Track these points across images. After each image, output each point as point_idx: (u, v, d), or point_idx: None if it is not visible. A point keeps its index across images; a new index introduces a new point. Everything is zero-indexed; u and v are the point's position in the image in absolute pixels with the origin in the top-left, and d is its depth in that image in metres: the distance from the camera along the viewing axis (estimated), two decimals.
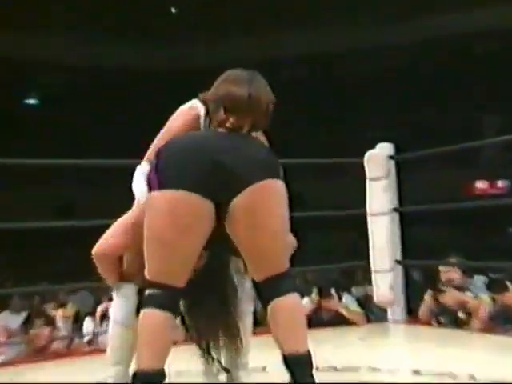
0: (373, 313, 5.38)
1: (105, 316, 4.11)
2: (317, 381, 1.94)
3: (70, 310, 6.57)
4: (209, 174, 1.89)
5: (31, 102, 17.46)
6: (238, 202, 1.90)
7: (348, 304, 4.19)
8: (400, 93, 15.91)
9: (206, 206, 1.90)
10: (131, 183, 2.13)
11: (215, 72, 2.13)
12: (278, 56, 16.41)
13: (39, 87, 17.12)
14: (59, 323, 5.00)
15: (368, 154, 3.93)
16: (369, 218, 3.87)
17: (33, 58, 15.49)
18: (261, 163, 1.94)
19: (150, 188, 1.96)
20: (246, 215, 1.90)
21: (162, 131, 2.15)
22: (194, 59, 16.31)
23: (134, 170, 2.16)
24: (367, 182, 3.89)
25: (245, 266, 2.12)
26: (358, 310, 4.22)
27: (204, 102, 2.12)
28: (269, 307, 1.95)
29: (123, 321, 2.11)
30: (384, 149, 4.01)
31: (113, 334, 2.15)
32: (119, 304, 2.14)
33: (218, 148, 1.94)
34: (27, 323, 4.28)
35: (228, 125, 2.00)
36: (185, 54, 16.56)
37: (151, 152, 2.12)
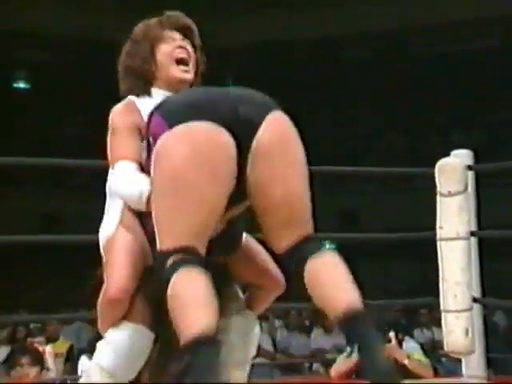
0: (442, 364, 5.37)
1: None
2: None
3: (62, 345, 6.69)
4: (227, 106, 2.01)
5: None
6: (262, 135, 2.00)
7: (410, 351, 4.19)
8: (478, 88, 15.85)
9: (230, 144, 1.98)
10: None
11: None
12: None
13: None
14: (49, 362, 5.08)
15: (440, 163, 3.93)
16: (439, 244, 3.87)
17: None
18: (266, 97, 2.12)
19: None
20: (273, 148, 2.00)
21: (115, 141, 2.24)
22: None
23: None
24: (438, 198, 3.89)
25: (248, 298, 2.22)
26: (424, 359, 4.22)
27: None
28: (306, 270, 1.96)
29: (115, 370, 2.07)
30: (461, 157, 4.01)
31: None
32: (112, 346, 2.08)
33: (223, 88, 2.13)
34: (9, 361, 4.36)
35: (179, 48, 2.31)
36: None
37: (116, 156, 2.20)
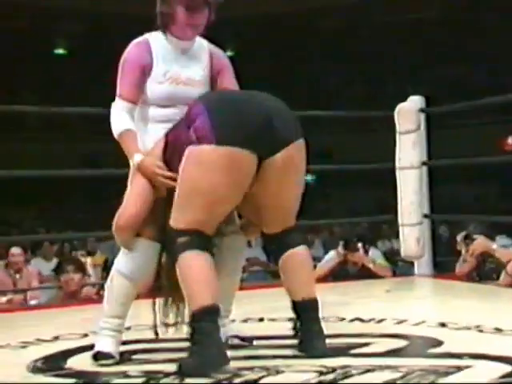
0: (399, 267, 5.41)
1: None
2: (324, 328, 2.05)
3: (100, 258, 6.72)
4: (260, 128, 1.92)
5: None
6: (277, 157, 1.95)
7: (374, 258, 4.20)
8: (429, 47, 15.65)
9: (254, 162, 1.94)
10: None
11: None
12: (315, 6, 16.22)
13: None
14: (89, 270, 5.11)
15: (399, 107, 3.88)
16: (398, 172, 3.84)
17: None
18: (295, 120, 2.04)
19: (198, 137, 1.92)
20: (280, 171, 1.97)
21: (122, 72, 2.14)
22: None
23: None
24: (397, 135, 3.85)
25: (243, 225, 2.18)
26: (385, 263, 4.24)
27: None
28: (282, 257, 2.06)
29: (131, 275, 2.06)
30: (415, 102, 3.95)
31: (116, 286, 2.08)
32: (128, 256, 2.07)
33: (264, 102, 2.00)
34: (58, 269, 4.37)
35: (191, 24, 2.11)
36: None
37: (124, 89, 2.11)
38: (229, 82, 2.24)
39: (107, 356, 2.03)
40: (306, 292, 2.05)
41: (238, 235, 2.19)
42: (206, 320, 1.86)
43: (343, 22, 17.14)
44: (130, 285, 2.07)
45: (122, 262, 2.09)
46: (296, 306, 2.06)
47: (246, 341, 2.21)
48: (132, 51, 2.15)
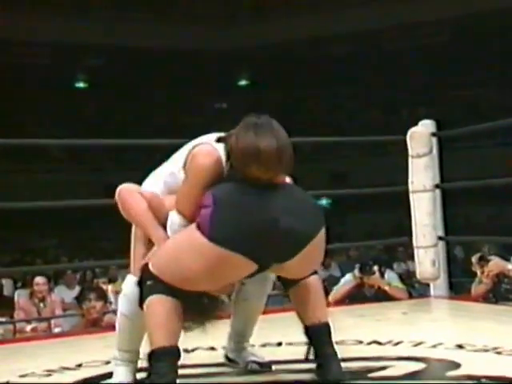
0: (415, 288, 5.35)
1: None
2: (338, 351, 2.02)
3: (121, 284, 6.71)
4: (264, 240, 1.85)
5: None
6: (290, 264, 1.92)
7: (390, 280, 4.16)
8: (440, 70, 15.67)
9: (253, 268, 1.91)
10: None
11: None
12: (327, 33, 16.36)
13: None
14: (111, 297, 5.11)
15: (410, 132, 3.87)
16: (411, 195, 3.82)
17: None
18: (313, 213, 1.95)
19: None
20: (295, 268, 1.94)
21: (186, 184, 1.97)
22: (234, 40, 16.35)
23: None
24: (410, 159, 3.84)
25: None
26: (401, 285, 4.20)
27: (223, 141, 1.97)
28: (293, 288, 2.04)
29: (131, 316, 2.05)
30: (426, 126, 3.95)
31: (120, 324, 2.10)
32: (126, 298, 2.08)
33: (272, 209, 1.87)
34: (81, 297, 4.38)
35: (258, 179, 1.88)
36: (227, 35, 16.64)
37: (185, 208, 1.96)
38: None
39: None
40: (318, 317, 2.03)
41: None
42: (162, 360, 1.86)
43: (356, 48, 17.24)
44: (133, 324, 2.05)
45: (124, 304, 2.08)
46: (308, 330, 2.04)
47: (265, 366, 2.19)
48: (209, 168, 1.94)
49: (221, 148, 1.96)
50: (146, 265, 1.95)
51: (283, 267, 1.94)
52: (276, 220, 1.85)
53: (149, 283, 1.92)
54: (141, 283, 1.95)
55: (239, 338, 2.27)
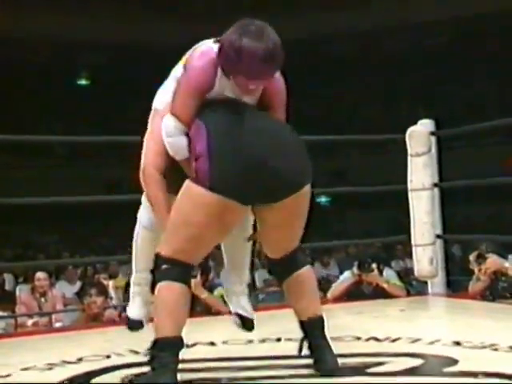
0: (413, 286, 5.36)
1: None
2: (333, 348, 2.05)
3: (121, 280, 6.73)
4: (259, 181, 1.88)
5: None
6: (278, 206, 1.94)
7: (388, 278, 4.17)
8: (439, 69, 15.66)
9: (247, 211, 1.97)
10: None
11: None
12: (327, 33, 16.33)
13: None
14: (111, 293, 5.12)
15: (409, 131, 3.88)
16: (410, 194, 3.83)
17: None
18: (300, 164, 1.96)
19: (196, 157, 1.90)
20: (280, 217, 1.97)
21: (182, 86, 1.98)
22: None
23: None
24: (409, 158, 3.85)
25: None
26: (399, 283, 4.21)
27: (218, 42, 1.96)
28: (287, 280, 2.07)
29: (152, 227, 2.13)
30: (425, 125, 3.95)
31: (141, 239, 2.18)
32: (149, 209, 2.10)
33: (266, 149, 1.88)
34: (81, 293, 4.39)
35: (248, 88, 1.93)
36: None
37: (174, 108, 1.97)
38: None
39: (137, 324, 2.21)
40: (312, 311, 2.06)
41: (246, 243, 2.21)
42: (165, 350, 1.90)
43: (355, 47, 17.22)
44: (153, 236, 2.11)
45: (145, 216, 2.15)
46: (303, 325, 2.07)
47: (247, 322, 2.23)
48: (198, 72, 1.97)
49: (217, 48, 1.97)
50: (159, 253, 1.97)
51: (266, 220, 1.97)
52: (268, 166, 1.86)
53: (163, 267, 1.94)
54: (153, 271, 1.99)
55: (230, 278, 2.27)
